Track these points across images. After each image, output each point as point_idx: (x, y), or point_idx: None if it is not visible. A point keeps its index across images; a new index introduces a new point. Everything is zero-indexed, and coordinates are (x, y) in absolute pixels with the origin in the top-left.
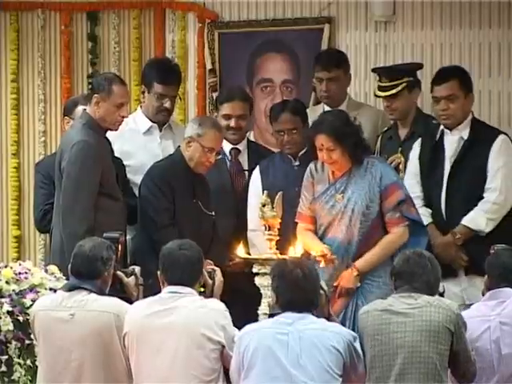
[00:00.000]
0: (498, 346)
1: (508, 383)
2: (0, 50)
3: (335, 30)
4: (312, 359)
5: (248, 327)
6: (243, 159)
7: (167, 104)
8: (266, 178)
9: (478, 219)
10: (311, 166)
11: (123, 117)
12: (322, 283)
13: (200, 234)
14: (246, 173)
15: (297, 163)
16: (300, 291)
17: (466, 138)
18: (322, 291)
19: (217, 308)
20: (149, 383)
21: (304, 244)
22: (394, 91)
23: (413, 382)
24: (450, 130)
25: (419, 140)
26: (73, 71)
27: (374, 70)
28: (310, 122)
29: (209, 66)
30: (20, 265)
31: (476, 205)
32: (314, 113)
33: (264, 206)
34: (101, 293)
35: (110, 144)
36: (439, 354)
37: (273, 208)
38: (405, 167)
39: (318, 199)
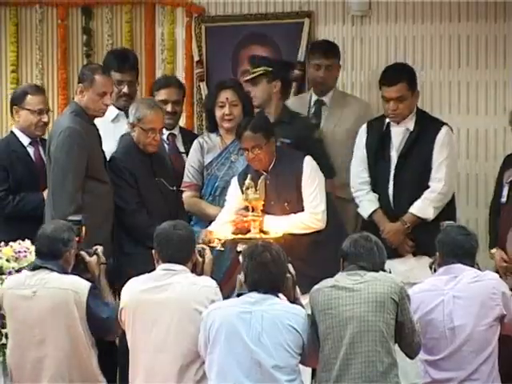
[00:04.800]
0: (451, 318)
1: (460, 353)
2: (0, 43)
3: (314, 23)
4: (272, 338)
5: (215, 305)
6: (179, 142)
7: (125, 89)
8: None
9: (426, 208)
10: (199, 139)
11: (106, 105)
12: (290, 267)
13: (167, 210)
14: (183, 155)
15: (268, 177)
16: (267, 273)
17: (411, 129)
18: (289, 275)
19: (208, 285)
20: (144, 354)
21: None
22: (252, 76)
23: (362, 349)
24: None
25: (364, 126)
26: (69, 62)
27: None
28: (300, 109)
29: (196, 58)
30: (19, 244)
31: (421, 193)
32: (301, 100)
33: (248, 188)
34: (63, 272)
35: (97, 130)
36: (386, 322)
37: (256, 191)
38: None
39: (214, 163)
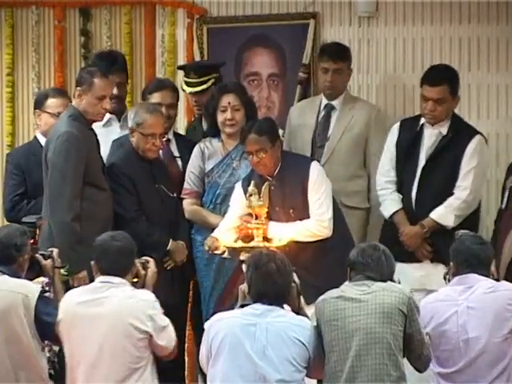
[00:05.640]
0: (465, 329)
1: (474, 365)
2: None
3: (320, 25)
4: (277, 351)
5: (217, 316)
6: (174, 147)
7: (114, 91)
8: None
9: (447, 215)
10: (200, 145)
11: (105, 109)
12: (294, 276)
13: (167, 218)
14: (178, 159)
15: (273, 182)
16: (272, 284)
17: (444, 133)
18: (293, 284)
19: (145, 298)
20: (80, 369)
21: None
22: (204, 86)
23: (369, 362)
24: (432, 125)
25: (397, 125)
26: (66, 65)
27: (180, 68)
28: (305, 114)
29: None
30: None
31: (445, 199)
32: (311, 104)
33: (251, 195)
34: (16, 277)
35: (95, 135)
36: (393, 334)
37: (260, 198)
38: None
39: (215, 169)
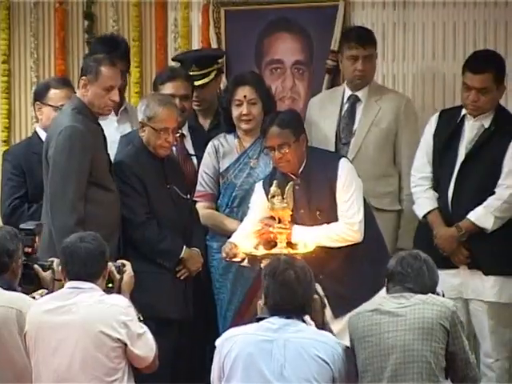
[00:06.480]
0: None
1: None
2: None
3: (350, 8)
4: (296, 370)
5: (231, 332)
6: (188, 144)
7: None
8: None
9: (486, 217)
10: (214, 142)
11: (113, 101)
12: (318, 288)
13: (181, 222)
14: (193, 158)
15: (297, 181)
16: (290, 294)
17: (486, 126)
18: (316, 296)
19: (117, 304)
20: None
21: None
22: (206, 80)
23: (407, 383)
24: (474, 116)
25: (436, 115)
26: (68, 52)
27: (176, 59)
28: (326, 108)
29: (214, 47)
30: None
31: (485, 199)
32: (333, 94)
33: (274, 197)
34: (10, 286)
35: (102, 130)
36: (433, 352)
37: (283, 199)
38: None
39: (231, 169)
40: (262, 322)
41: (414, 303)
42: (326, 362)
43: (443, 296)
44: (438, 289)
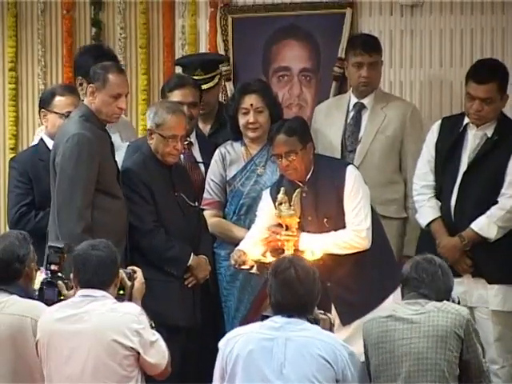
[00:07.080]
0: None
1: None
2: None
3: (357, 15)
4: (296, 369)
5: (234, 331)
6: (196, 151)
7: None
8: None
9: (489, 227)
10: (220, 149)
11: (121, 108)
12: (329, 315)
13: (189, 230)
14: (201, 165)
15: (305, 188)
16: (290, 293)
17: (489, 135)
18: (325, 316)
19: (130, 312)
20: None
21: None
22: (211, 84)
23: None
24: (477, 126)
25: (438, 123)
26: None
27: (180, 64)
28: (332, 115)
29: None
30: None
31: (487, 208)
32: (338, 102)
33: (281, 204)
34: (26, 292)
35: (109, 138)
36: (447, 360)
37: (290, 206)
38: None
39: (237, 177)
40: (265, 321)
41: (428, 310)
42: (328, 362)
43: (458, 302)
44: (454, 295)
